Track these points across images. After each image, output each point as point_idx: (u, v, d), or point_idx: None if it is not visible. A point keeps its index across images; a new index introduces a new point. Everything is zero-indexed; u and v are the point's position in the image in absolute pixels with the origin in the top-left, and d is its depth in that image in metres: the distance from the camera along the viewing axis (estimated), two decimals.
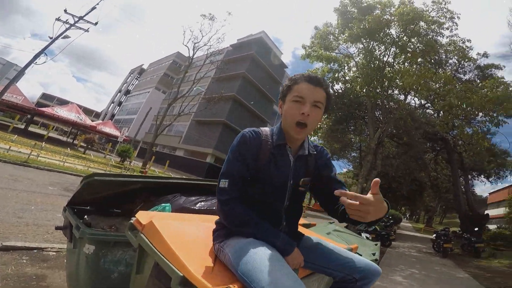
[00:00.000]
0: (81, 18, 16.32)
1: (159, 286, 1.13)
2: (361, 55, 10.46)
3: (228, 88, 29.14)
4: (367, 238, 4.34)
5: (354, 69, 11.13)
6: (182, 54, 44.94)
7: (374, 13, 8.90)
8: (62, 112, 22.79)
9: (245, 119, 31.49)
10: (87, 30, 16.68)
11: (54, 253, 2.99)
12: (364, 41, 9.78)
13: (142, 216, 1.36)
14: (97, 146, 28.46)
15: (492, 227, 23.15)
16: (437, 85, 8.87)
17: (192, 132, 33.09)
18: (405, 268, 7.43)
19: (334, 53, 11.21)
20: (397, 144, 15.74)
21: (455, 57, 10.76)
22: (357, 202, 0.91)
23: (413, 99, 12.02)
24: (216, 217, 1.32)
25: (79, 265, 1.84)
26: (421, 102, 11.83)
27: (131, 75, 60.86)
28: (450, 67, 12.06)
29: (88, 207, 2.35)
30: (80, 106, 29.46)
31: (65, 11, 15.76)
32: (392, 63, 10.21)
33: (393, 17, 9.08)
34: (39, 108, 22.95)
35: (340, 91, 12.75)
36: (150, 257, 1.25)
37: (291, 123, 1.23)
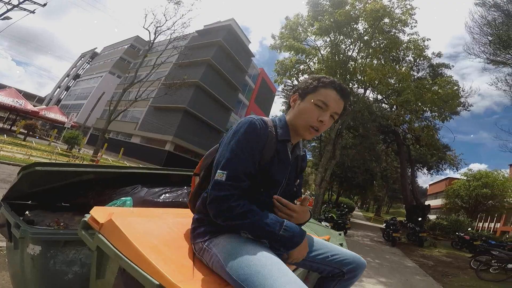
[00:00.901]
0: None
1: None
2: (328, 48, 10.69)
3: (192, 75, 28.16)
4: (326, 226, 4.45)
5: (319, 61, 11.35)
6: (141, 38, 42.63)
7: (346, 8, 9.08)
8: None
9: (209, 106, 30.88)
10: (32, 12, 15.25)
11: None
12: (332, 34, 9.98)
13: (99, 213, 1.14)
14: (40, 133, 25.89)
15: (432, 217, 24.74)
16: (393, 80, 9.39)
17: (150, 119, 31.63)
18: (362, 256, 7.85)
19: (302, 44, 11.33)
20: (354, 135, 16.52)
21: (412, 54, 11.46)
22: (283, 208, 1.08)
23: (370, 94, 12.64)
24: (187, 210, 1.17)
25: (24, 267, 1.55)
26: (377, 97, 12.47)
27: (82, 59, 56.43)
28: (406, 64, 12.88)
29: (30, 202, 2.01)
30: (20, 91, 26.54)
31: None
32: (356, 58, 10.58)
33: (363, 13, 9.34)
34: None
35: None
36: (112, 261, 1.06)
37: (305, 124, 1.16)
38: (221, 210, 0.99)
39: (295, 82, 13.12)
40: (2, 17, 14.45)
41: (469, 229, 15.65)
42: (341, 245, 2.79)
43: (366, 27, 9.82)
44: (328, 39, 10.37)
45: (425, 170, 24.13)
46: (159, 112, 31.37)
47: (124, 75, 40.37)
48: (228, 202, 0.98)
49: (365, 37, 9.84)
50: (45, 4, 15.63)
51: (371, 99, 12.95)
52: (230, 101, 33.90)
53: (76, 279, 1.61)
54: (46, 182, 1.81)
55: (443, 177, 38.33)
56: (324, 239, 1.86)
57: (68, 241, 1.56)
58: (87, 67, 53.06)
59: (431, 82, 10.05)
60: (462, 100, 14.82)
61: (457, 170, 24.06)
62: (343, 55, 10.22)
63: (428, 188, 49.18)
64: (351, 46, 10.38)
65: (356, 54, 10.55)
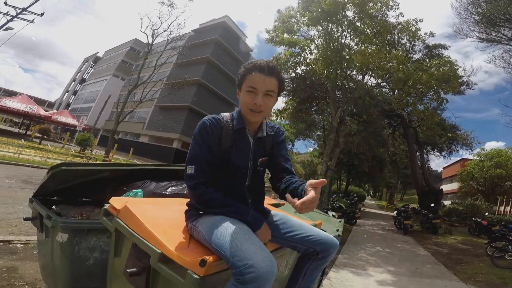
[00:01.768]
0: (24, 9, 15.33)
1: (139, 265, 1.20)
2: (321, 38, 10.70)
3: (193, 73, 28.44)
4: (333, 216, 4.66)
5: (315, 51, 11.38)
6: (140, 41, 42.87)
7: None
8: (11, 103, 21.07)
9: (212, 102, 31.16)
10: (32, 21, 15.78)
11: (22, 245, 2.95)
12: (323, 23, 9.99)
13: (116, 202, 1.43)
14: (53, 136, 26.65)
15: (447, 202, 23.59)
16: (390, 64, 9.36)
17: (156, 118, 32.16)
18: (371, 246, 7.73)
19: (296, 36, 11.38)
20: (358, 122, 16.44)
21: (406, 37, 11.38)
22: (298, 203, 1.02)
23: (369, 79, 12.59)
24: (187, 200, 1.40)
25: (53, 254, 1.85)
26: (378, 82, 12.45)
27: (85, 63, 57.36)
28: (402, 48, 12.80)
29: (55, 198, 2.32)
30: (30, 97, 27.33)
31: (5, 3, 14.66)
32: (349, 45, 10.60)
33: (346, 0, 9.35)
34: None
35: (302, 73, 13.07)
36: (127, 240, 1.33)
37: (246, 110, 1.33)
38: (195, 195, 1.26)
39: (293, 75, 13.21)
40: (4, 27, 15.00)
41: (487, 213, 14.56)
42: (337, 230, 2.96)
43: (356, 13, 9.79)
44: (320, 28, 10.37)
45: (437, 153, 22.83)
46: (165, 111, 31.81)
47: (127, 77, 40.92)
48: (199, 189, 1.24)
49: (357, 23, 9.86)
50: (42, 14, 16.10)
51: (372, 84, 12.91)
52: (232, 97, 34.15)
53: (97, 264, 1.89)
54: (70, 180, 2.12)
55: (457, 159, 35.49)
56: (314, 224, 2.09)
57: (90, 229, 1.86)
58: (91, 71, 53.92)
59: (426, 64, 9.98)
60: (464, 79, 14.69)
61: (471, 150, 22.09)
62: (337, 43, 10.23)
63: (442, 171, 45.75)
64: (344, 34, 10.38)
65: (349, 41, 10.59)
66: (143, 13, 33.16)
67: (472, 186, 24.31)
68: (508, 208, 31.00)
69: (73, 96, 53.52)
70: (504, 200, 24.69)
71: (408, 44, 12.98)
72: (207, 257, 1.02)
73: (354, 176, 28.43)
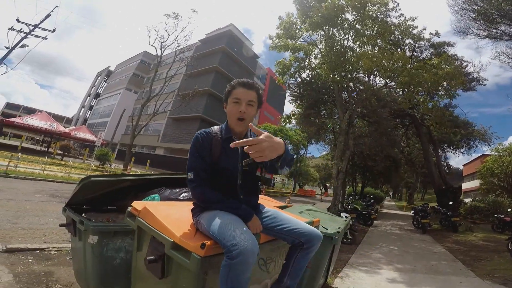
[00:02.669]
0: (36, 26, 15.86)
1: (156, 253, 1.49)
2: (323, 42, 10.85)
3: (202, 83, 29.05)
4: (346, 217, 4.78)
5: (319, 55, 11.51)
6: (149, 53, 43.73)
7: (329, 1, 9.25)
8: (32, 121, 22.04)
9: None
10: (45, 38, 16.30)
11: (55, 252, 3.29)
12: (324, 27, 10.13)
13: (137, 205, 1.75)
14: (74, 152, 27.73)
15: (468, 200, 22.60)
16: (395, 65, 9.39)
17: (170, 130, 32.86)
18: (385, 246, 7.75)
19: (299, 42, 11.56)
20: (368, 123, 16.35)
21: (409, 38, 11.45)
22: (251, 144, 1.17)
23: (375, 80, 12.59)
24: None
25: (85, 255, 2.15)
26: (386, 82, 12.46)
27: (99, 78, 58.96)
28: (407, 47, 12.82)
29: (84, 206, 2.66)
30: (49, 113, 28.49)
31: (18, 20, 15.29)
32: (353, 47, 10.72)
33: (348, 2, 9.45)
34: (8, 119, 22.04)
35: (307, 78, 13.25)
36: (147, 235, 1.62)
37: (233, 119, 1.62)
38: (195, 195, 1.58)
39: (299, 80, 13.38)
40: (20, 45, 15.63)
41: (510, 209, 14.18)
42: (338, 228, 3.12)
43: (355, 15, 9.91)
44: (322, 33, 10.52)
45: (453, 150, 21.93)
46: (178, 122, 32.43)
47: (140, 90, 41.93)
48: (198, 190, 1.54)
49: (357, 26, 9.98)
50: (54, 30, 16.72)
51: (379, 84, 12.93)
52: None
53: (122, 264, 2.19)
54: (97, 190, 2.46)
55: (478, 155, 34.68)
56: (310, 221, 2.29)
57: (116, 232, 2.18)
58: (104, 85, 55.27)
59: (429, 62, 9.95)
60: (474, 75, 14.52)
61: (490, 146, 21.13)
62: (339, 46, 10.35)
63: (463, 169, 44.98)
64: (345, 36, 10.51)
65: (352, 44, 10.72)
66: (150, 26, 34.23)
67: (493, 183, 23.56)
68: None
69: (89, 111, 54.98)
70: None
71: (413, 44, 12.98)
72: (206, 241, 1.31)
73: (369, 178, 28.03)
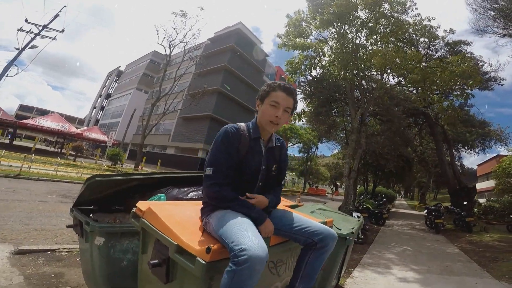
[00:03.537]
0: (45, 26, 15.96)
1: (160, 257, 1.42)
2: (334, 39, 10.68)
3: (212, 82, 29.11)
4: (358, 217, 4.68)
5: (329, 53, 11.34)
6: (159, 53, 44.18)
7: None
8: (45, 122, 22.52)
9: (232, 110, 31.60)
10: (54, 38, 16.37)
11: (66, 253, 3.29)
12: (336, 25, 9.97)
13: (142, 205, 1.68)
14: (86, 153, 28.27)
15: (482, 200, 22.38)
16: (410, 63, 9.17)
17: (180, 129, 33.08)
18: (398, 246, 7.55)
19: (308, 40, 11.41)
20: (381, 122, 16.09)
21: (424, 36, 11.19)
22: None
23: (388, 78, 12.35)
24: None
25: (93, 257, 2.11)
26: (399, 80, 12.21)
27: (109, 78, 59.74)
28: (421, 45, 12.51)
29: (92, 207, 2.62)
30: (61, 115, 29.11)
31: (26, 20, 15.38)
32: (365, 45, 10.51)
33: (358, 0, 9.29)
34: (21, 121, 22.62)
35: (318, 76, 13.09)
36: (151, 237, 1.56)
37: (267, 121, 1.57)
38: (209, 192, 1.49)
39: (309, 78, 13.22)
40: (30, 45, 15.73)
41: None
42: (352, 228, 3.03)
43: (368, 13, 9.71)
44: (333, 30, 10.36)
45: (469, 150, 21.76)
46: (188, 122, 32.63)
47: (150, 90, 42.30)
48: (214, 188, 1.46)
49: (369, 24, 9.77)
50: (63, 30, 16.80)
51: (393, 83, 12.68)
52: (252, 103, 34.56)
53: (129, 265, 2.14)
54: (103, 189, 2.42)
55: (493, 155, 34.06)
56: (324, 221, 2.20)
57: (123, 233, 2.13)
58: (115, 85, 55.96)
59: (445, 60, 9.67)
60: (492, 74, 14.11)
61: (506, 146, 20.84)
62: (352, 44, 10.17)
63: (477, 169, 44.20)
64: (358, 34, 10.31)
65: (364, 42, 10.50)
66: (158, 25, 34.50)
67: (509, 183, 22.98)
68: None
69: (101, 111, 55.75)
70: None
71: (428, 42, 12.68)
72: (212, 245, 1.22)
73: (381, 177, 27.72)
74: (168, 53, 18.91)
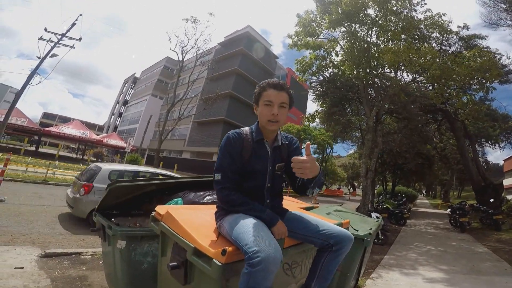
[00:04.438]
0: (63, 35, 16.41)
1: (178, 260, 1.47)
2: (345, 39, 10.57)
3: (224, 86, 29.39)
4: (376, 217, 4.61)
5: (341, 52, 11.22)
6: (172, 59, 44.99)
7: None
8: (67, 130, 23.40)
9: (245, 113, 31.72)
10: (73, 47, 16.83)
11: (90, 256, 3.43)
12: (346, 24, 9.88)
13: (161, 209, 1.75)
14: (106, 159, 29.11)
15: (511, 197, 21.66)
16: (423, 59, 8.96)
17: (195, 134, 33.54)
18: (421, 245, 7.38)
19: (319, 39, 11.32)
20: (397, 119, 15.74)
21: (436, 31, 10.92)
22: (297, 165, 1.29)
23: (402, 75, 12.10)
24: None
25: (115, 260, 2.20)
26: (414, 77, 11.93)
27: (126, 85, 61.12)
28: (434, 41, 12.18)
29: (114, 211, 2.73)
30: (82, 122, 30.13)
31: (46, 29, 15.84)
32: (377, 43, 10.35)
33: None
34: (45, 129, 23.60)
35: (330, 76, 12.95)
36: (170, 240, 1.62)
37: (266, 121, 1.58)
38: (221, 197, 1.52)
39: (321, 78, 13.10)
40: (50, 54, 16.13)
41: None
42: (370, 229, 3.00)
43: (377, 10, 9.55)
44: (344, 29, 10.25)
45: (492, 145, 20.96)
46: (202, 126, 33.03)
47: (165, 96, 43.14)
48: (224, 192, 1.50)
49: (379, 21, 9.61)
50: (80, 38, 17.24)
51: (407, 80, 12.40)
52: None
53: (150, 268, 2.22)
54: (124, 194, 2.52)
55: None
56: (340, 223, 2.20)
57: (143, 236, 2.21)
58: (132, 92, 57.26)
59: (460, 55, 9.40)
60: (511, 67, 13.56)
61: None
62: (363, 42, 10.02)
63: (503, 164, 41.49)
64: (369, 32, 10.16)
65: (375, 40, 10.33)
66: (170, 31, 35.22)
67: None
68: None
69: (119, 118, 57.12)
70: None
71: (440, 37, 12.37)
72: (227, 248, 1.26)
73: (400, 176, 27.03)
74: (181, 59, 19.33)
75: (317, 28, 10.95)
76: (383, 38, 10.08)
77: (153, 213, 1.75)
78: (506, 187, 34.33)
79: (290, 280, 1.72)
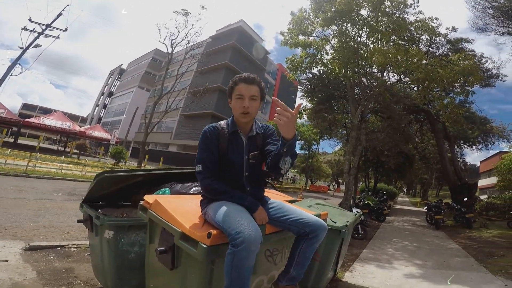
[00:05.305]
0: (48, 26, 16.03)
1: (166, 244, 1.56)
2: (336, 38, 10.71)
3: (213, 80, 29.18)
4: (357, 213, 4.78)
5: (331, 51, 11.37)
6: (160, 51, 44.01)
7: None
8: (49, 121, 22.75)
9: None
10: (57, 37, 16.47)
11: (75, 249, 3.42)
12: (338, 23, 10.01)
13: (149, 198, 1.82)
14: (89, 151, 28.46)
15: (484, 197, 22.34)
16: (410, 60, 9.20)
17: (183, 127, 33.22)
18: (398, 241, 7.67)
19: (311, 38, 11.44)
20: (382, 119, 16.11)
21: (426, 34, 11.25)
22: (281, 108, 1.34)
23: (388, 75, 12.39)
24: None
25: (102, 250, 2.24)
26: (400, 78, 12.25)
27: (111, 76, 59.74)
28: (423, 43, 12.56)
29: (100, 202, 2.75)
30: (64, 113, 29.28)
31: (30, 20, 15.44)
32: (366, 43, 10.55)
33: None
34: (25, 120, 22.83)
35: (318, 74, 13.14)
36: (158, 227, 1.70)
37: (238, 114, 1.70)
38: (203, 186, 1.65)
39: (310, 75, 13.26)
40: (33, 44, 15.84)
41: None
42: (346, 221, 3.12)
43: (370, 11, 9.74)
44: (335, 28, 10.39)
45: (471, 147, 21.77)
46: (190, 119, 32.75)
47: (152, 88, 42.35)
48: (206, 181, 1.63)
49: (371, 22, 9.80)
50: (66, 29, 16.97)
51: (393, 80, 12.72)
52: None
53: (137, 258, 2.26)
54: (111, 185, 2.55)
55: (496, 152, 33.38)
56: (318, 214, 2.31)
57: (131, 226, 2.25)
58: (117, 83, 56.02)
59: (446, 58, 9.74)
60: (494, 71, 14.16)
61: (509, 143, 20.77)
62: (353, 42, 10.22)
63: (480, 165, 44.11)
64: (359, 33, 10.34)
65: (365, 40, 10.53)
66: (160, 23, 34.34)
67: (511, 180, 23.02)
68: None
69: (103, 109, 55.90)
70: None
71: (429, 39, 12.73)
72: (212, 231, 1.37)
73: (382, 174, 27.70)
74: (170, 51, 18.94)
75: (310, 27, 11.04)
76: (372, 39, 10.27)
77: (142, 202, 1.82)
78: (481, 187, 35.84)
79: (271, 267, 1.83)
